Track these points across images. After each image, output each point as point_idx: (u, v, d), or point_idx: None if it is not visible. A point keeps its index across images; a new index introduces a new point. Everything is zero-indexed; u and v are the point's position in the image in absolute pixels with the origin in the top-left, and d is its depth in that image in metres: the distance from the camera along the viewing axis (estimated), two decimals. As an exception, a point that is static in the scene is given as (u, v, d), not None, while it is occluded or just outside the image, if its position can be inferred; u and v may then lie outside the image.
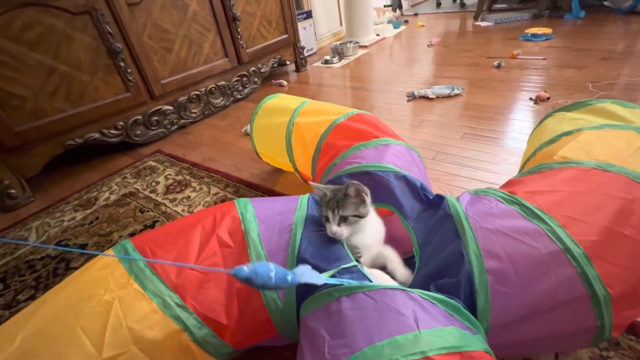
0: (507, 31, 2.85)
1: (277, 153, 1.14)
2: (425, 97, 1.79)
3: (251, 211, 0.62)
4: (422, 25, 3.51)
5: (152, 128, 1.72)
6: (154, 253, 0.55)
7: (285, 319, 0.55)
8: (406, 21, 3.79)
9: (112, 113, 1.56)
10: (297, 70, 2.63)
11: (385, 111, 1.74)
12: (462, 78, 2.01)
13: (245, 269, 0.37)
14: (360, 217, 0.62)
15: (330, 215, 0.60)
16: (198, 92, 1.89)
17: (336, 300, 0.48)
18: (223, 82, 2.02)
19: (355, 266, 0.55)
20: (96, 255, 0.56)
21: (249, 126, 1.27)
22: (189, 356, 0.51)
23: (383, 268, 0.64)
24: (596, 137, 0.71)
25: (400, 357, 0.37)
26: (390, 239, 0.70)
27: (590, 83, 1.66)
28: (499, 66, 2.06)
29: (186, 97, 1.83)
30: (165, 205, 1.22)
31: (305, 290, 0.55)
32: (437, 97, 1.77)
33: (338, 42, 2.93)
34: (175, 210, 1.18)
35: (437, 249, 0.59)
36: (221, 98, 2.04)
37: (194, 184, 1.31)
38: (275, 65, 2.38)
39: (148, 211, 1.20)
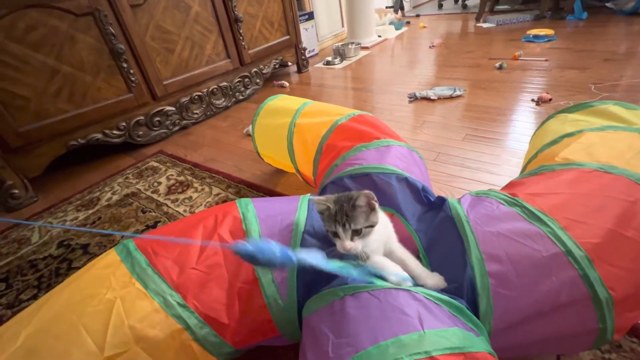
0: (508, 32, 2.84)
1: (278, 154, 1.14)
2: (426, 98, 1.79)
3: (252, 211, 0.62)
4: (424, 27, 3.51)
5: (154, 129, 1.73)
6: (155, 252, 0.55)
7: (287, 319, 0.55)
8: (408, 22, 3.79)
9: (115, 114, 1.56)
10: (299, 71, 2.64)
11: (387, 112, 1.74)
12: (463, 79, 2.01)
13: (249, 245, 0.35)
14: (373, 226, 0.56)
15: (340, 230, 0.54)
16: (200, 93, 1.90)
17: (340, 299, 0.48)
18: (225, 83, 2.02)
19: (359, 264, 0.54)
20: (114, 234, 0.55)
21: (250, 127, 1.27)
22: (190, 355, 0.51)
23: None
24: (598, 139, 0.71)
25: (404, 357, 0.37)
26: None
27: (593, 84, 1.66)
28: (500, 67, 2.06)
29: (188, 98, 1.84)
30: (167, 205, 1.22)
31: (307, 290, 0.55)
32: (439, 98, 1.77)
33: (340, 43, 2.93)
34: (177, 211, 1.18)
35: (444, 255, 0.59)
36: (223, 99, 2.04)
37: (195, 185, 1.32)
38: (277, 66, 2.38)
39: (150, 211, 1.20)
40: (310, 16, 2.91)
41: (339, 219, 0.53)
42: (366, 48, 3.02)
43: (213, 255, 0.57)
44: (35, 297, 0.92)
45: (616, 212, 0.53)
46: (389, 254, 0.61)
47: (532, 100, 1.61)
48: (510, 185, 0.71)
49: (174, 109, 1.79)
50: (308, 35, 2.89)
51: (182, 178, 1.38)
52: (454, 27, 3.43)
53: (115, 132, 1.59)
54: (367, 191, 0.54)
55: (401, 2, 4.14)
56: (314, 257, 0.42)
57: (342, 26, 3.52)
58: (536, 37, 2.46)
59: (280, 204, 0.67)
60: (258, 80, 2.24)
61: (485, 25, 3.16)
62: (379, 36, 3.26)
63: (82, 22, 1.38)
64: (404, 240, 0.64)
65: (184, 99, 1.82)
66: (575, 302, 0.48)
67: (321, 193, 0.80)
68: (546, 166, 0.68)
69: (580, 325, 0.50)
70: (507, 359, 0.62)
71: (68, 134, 1.45)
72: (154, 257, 0.55)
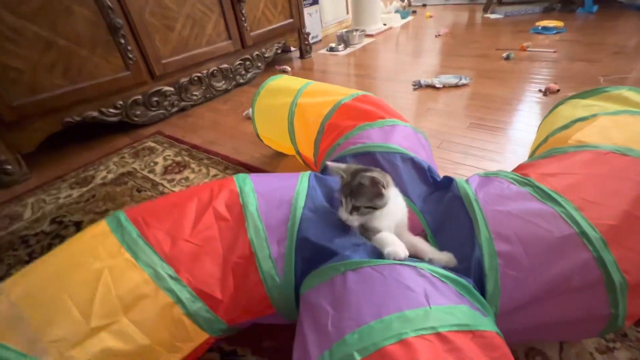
0: (517, 24, 2.78)
1: (278, 135, 1.11)
2: (431, 86, 1.75)
3: (250, 185, 0.59)
4: (430, 16, 3.44)
5: (152, 109, 1.69)
6: (147, 223, 0.52)
7: (283, 296, 0.53)
8: (414, 11, 3.71)
9: (112, 91, 1.52)
10: (302, 56, 2.58)
11: (390, 99, 1.70)
12: (469, 69, 1.97)
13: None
14: (375, 208, 0.55)
15: (343, 201, 0.55)
16: (200, 74, 1.85)
17: (342, 274, 0.45)
18: (225, 65, 1.97)
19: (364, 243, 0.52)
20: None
21: (250, 110, 1.23)
22: (182, 330, 0.49)
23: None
24: (613, 123, 0.68)
25: (409, 332, 0.35)
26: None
27: (602, 77, 1.62)
28: (508, 58, 2.01)
29: (187, 79, 1.79)
30: (163, 185, 1.19)
31: (306, 267, 0.52)
32: (444, 87, 1.73)
33: (344, 30, 2.87)
34: (172, 191, 1.15)
35: (452, 236, 0.56)
36: (223, 81, 1.99)
37: (192, 166, 1.29)
38: (279, 51, 2.33)
39: (145, 190, 1.17)
40: (315, 1, 2.84)
41: (345, 190, 0.55)
42: (371, 36, 2.96)
43: (207, 229, 0.54)
44: (25, 273, 0.90)
45: (634, 195, 0.50)
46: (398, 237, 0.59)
47: (540, 90, 1.57)
48: (519, 167, 0.68)
49: (172, 89, 1.74)
50: (312, 21, 2.82)
51: (179, 159, 1.35)
52: (460, 17, 3.36)
53: (111, 110, 1.54)
54: (376, 174, 0.53)
55: (408, -10, 4.05)
56: None
57: (347, 13, 3.44)
58: (545, 28, 2.40)
59: (279, 180, 0.64)
60: (260, 64, 2.19)
61: (492, 16, 3.09)
62: (384, 24, 3.19)
63: (78, -7, 1.32)
64: (410, 221, 0.62)
65: (183, 80, 1.78)
66: (587, 285, 0.46)
67: (322, 173, 0.77)
68: (558, 149, 0.66)
69: (591, 310, 0.48)
70: (511, 345, 0.61)
71: (63, 110, 1.40)
72: (145, 228, 0.52)
